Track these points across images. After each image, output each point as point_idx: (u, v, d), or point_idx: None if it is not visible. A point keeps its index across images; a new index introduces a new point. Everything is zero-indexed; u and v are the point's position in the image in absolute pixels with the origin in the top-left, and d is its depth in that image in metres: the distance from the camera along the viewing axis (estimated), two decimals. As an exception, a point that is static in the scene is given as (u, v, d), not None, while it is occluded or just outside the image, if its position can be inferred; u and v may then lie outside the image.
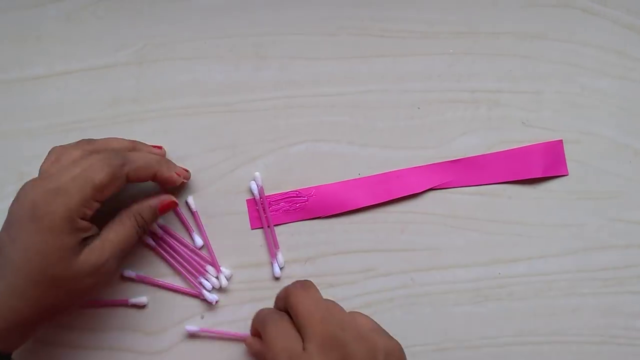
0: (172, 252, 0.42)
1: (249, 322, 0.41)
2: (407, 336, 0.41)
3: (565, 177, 0.43)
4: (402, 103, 0.44)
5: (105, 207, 0.36)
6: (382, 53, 0.44)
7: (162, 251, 0.41)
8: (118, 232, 0.37)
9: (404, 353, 0.34)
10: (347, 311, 0.34)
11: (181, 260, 0.41)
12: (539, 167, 0.42)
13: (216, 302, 0.41)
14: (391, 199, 0.42)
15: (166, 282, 0.41)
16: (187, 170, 0.41)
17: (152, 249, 0.42)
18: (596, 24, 0.44)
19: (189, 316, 0.41)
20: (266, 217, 0.42)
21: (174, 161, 0.42)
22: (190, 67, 0.44)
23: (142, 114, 0.43)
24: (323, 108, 0.44)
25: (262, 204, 0.42)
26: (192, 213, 0.42)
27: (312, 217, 0.42)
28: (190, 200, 0.42)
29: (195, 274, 0.41)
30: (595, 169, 0.43)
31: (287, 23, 0.44)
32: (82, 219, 0.34)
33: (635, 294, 0.41)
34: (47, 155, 0.37)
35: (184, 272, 0.41)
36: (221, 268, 0.41)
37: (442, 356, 0.41)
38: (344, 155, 0.43)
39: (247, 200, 0.42)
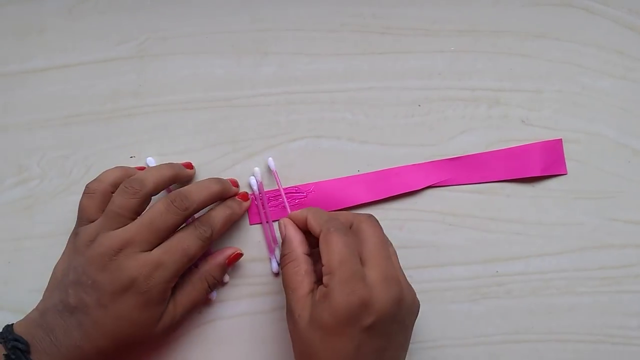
0: None
1: (247, 318, 0.41)
2: (404, 333, 0.41)
3: (564, 176, 0.43)
4: (403, 100, 0.44)
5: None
6: (383, 50, 0.44)
7: None
8: (190, 295, 0.38)
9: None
10: None
11: None
12: (538, 166, 0.42)
13: (214, 297, 0.41)
14: (390, 195, 0.42)
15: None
16: (246, 195, 0.42)
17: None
18: (597, 24, 0.44)
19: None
20: (265, 212, 0.42)
21: (173, 157, 0.42)
22: (192, 62, 0.44)
23: (143, 108, 0.43)
24: (324, 104, 0.44)
25: (261, 199, 0.42)
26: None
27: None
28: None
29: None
30: (594, 168, 0.43)
31: (289, 19, 0.44)
32: (172, 287, 0.36)
33: (631, 294, 0.42)
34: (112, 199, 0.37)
35: None
36: None
37: (439, 353, 0.41)
38: (344, 152, 0.43)
39: (247, 195, 0.42)
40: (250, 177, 0.42)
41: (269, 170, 0.42)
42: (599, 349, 0.41)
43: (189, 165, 0.42)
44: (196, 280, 0.39)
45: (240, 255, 0.41)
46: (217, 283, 0.40)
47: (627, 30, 0.44)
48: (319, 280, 0.35)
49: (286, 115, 0.43)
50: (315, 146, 0.43)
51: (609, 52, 0.44)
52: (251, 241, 0.42)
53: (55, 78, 0.44)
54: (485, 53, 0.44)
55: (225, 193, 0.40)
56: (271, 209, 0.42)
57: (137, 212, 0.37)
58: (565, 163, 0.43)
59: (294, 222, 0.38)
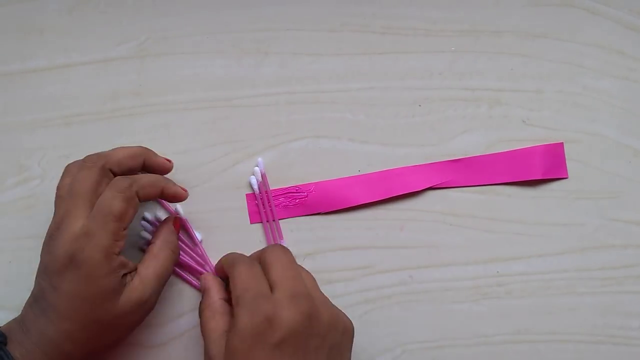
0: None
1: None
2: (404, 333, 0.41)
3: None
4: (403, 100, 0.44)
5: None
6: (384, 50, 0.44)
7: None
8: (155, 268, 0.37)
9: (353, 335, 0.36)
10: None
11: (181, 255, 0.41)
12: (539, 169, 0.42)
13: (199, 238, 0.42)
14: (391, 196, 0.42)
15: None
16: (185, 190, 0.40)
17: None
18: (598, 24, 0.44)
19: (187, 310, 0.41)
20: (265, 211, 0.42)
21: (173, 156, 0.42)
22: (192, 62, 0.44)
23: (143, 108, 0.43)
24: (324, 104, 0.44)
25: (261, 198, 0.42)
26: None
27: (311, 213, 0.42)
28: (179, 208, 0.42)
29: (197, 267, 0.41)
30: (595, 168, 0.43)
31: (290, 19, 0.44)
32: (117, 254, 0.35)
33: (632, 294, 0.42)
34: (62, 176, 0.37)
35: (178, 270, 0.41)
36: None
37: (440, 354, 0.41)
38: (345, 152, 0.43)
39: (247, 195, 0.42)
40: (250, 177, 0.42)
41: (270, 169, 0.42)
42: (600, 350, 0.41)
43: (177, 225, 0.41)
44: (156, 251, 0.38)
45: (178, 219, 0.40)
46: (177, 247, 0.39)
47: (628, 31, 0.44)
48: None
49: (286, 115, 0.43)
50: (315, 146, 0.43)
51: (610, 53, 0.44)
52: (251, 241, 0.42)
53: (56, 78, 0.44)
54: (486, 53, 0.44)
55: (146, 155, 0.39)
56: (271, 208, 0.42)
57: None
58: (566, 167, 0.43)
59: (218, 273, 0.39)
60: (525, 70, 0.44)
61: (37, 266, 0.36)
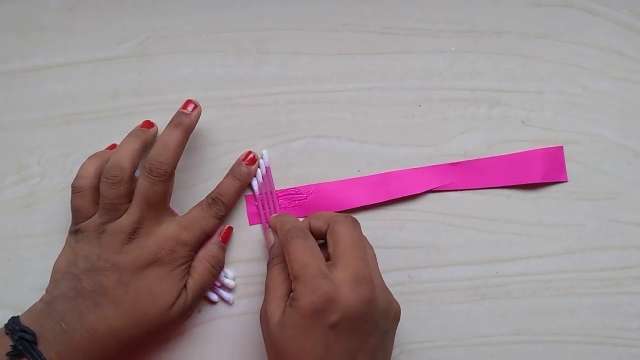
0: None
1: (246, 317, 0.41)
2: (403, 333, 0.41)
3: (564, 177, 0.43)
4: (403, 100, 0.44)
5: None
6: (384, 50, 0.44)
7: None
8: (197, 280, 0.39)
9: (399, 319, 0.36)
10: None
11: None
12: (539, 173, 0.42)
13: (231, 300, 0.42)
14: (390, 199, 0.42)
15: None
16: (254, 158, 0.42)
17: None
18: (598, 25, 0.44)
19: (186, 309, 0.41)
20: (265, 213, 0.42)
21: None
22: (192, 61, 0.44)
23: (143, 107, 0.43)
24: (324, 104, 0.44)
25: (261, 200, 0.42)
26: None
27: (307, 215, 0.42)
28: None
29: None
30: (594, 169, 0.43)
31: (290, 18, 0.44)
32: (191, 261, 0.39)
33: (632, 295, 0.42)
34: (86, 174, 0.39)
35: None
36: (225, 270, 0.42)
37: (439, 354, 0.41)
38: (344, 152, 0.43)
39: (246, 197, 0.42)
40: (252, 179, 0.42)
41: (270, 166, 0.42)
42: (599, 351, 0.41)
43: (148, 124, 0.41)
44: (198, 265, 0.39)
45: (231, 228, 0.41)
46: (219, 261, 0.40)
47: (628, 32, 0.44)
48: None
49: (286, 114, 0.43)
50: (315, 146, 0.43)
51: (610, 54, 0.44)
52: (251, 241, 0.42)
53: (56, 76, 0.44)
54: (486, 53, 0.44)
55: (186, 139, 0.39)
56: (271, 210, 0.42)
57: (129, 194, 0.38)
58: (565, 170, 0.43)
59: (272, 229, 0.39)
60: (525, 71, 0.44)
61: (59, 259, 0.37)
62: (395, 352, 0.41)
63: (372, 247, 0.37)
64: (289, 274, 0.35)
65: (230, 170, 0.41)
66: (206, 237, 0.40)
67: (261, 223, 0.42)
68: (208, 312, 0.41)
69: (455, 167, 0.43)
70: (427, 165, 0.43)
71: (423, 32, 0.44)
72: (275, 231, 0.38)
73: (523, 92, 0.44)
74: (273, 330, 0.33)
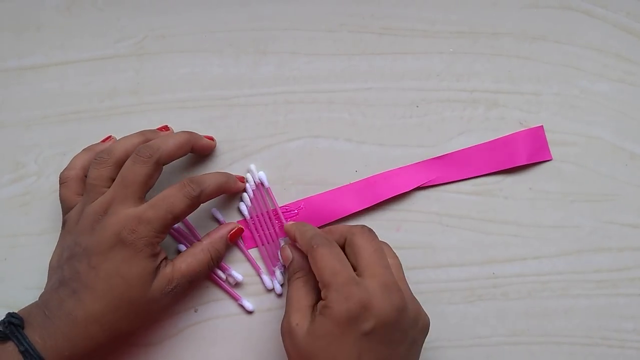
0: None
1: (244, 316, 0.41)
2: (400, 334, 0.41)
3: (561, 178, 0.43)
4: (401, 101, 0.44)
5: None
6: (382, 51, 0.44)
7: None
8: (191, 264, 0.38)
9: (428, 332, 0.36)
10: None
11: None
12: (523, 154, 0.42)
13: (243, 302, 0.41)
14: (380, 201, 0.42)
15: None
16: (212, 139, 0.42)
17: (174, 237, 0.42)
18: (596, 27, 0.44)
19: (183, 309, 0.41)
20: (259, 235, 0.42)
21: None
22: (190, 61, 0.44)
23: (141, 106, 0.43)
24: (322, 104, 0.44)
25: (253, 224, 0.42)
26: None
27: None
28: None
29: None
30: (591, 171, 0.43)
31: (288, 18, 0.44)
32: (158, 243, 0.36)
33: (627, 297, 0.42)
34: (75, 166, 0.39)
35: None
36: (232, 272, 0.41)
37: (435, 354, 0.41)
38: (342, 152, 0.43)
39: (239, 222, 0.42)
40: (240, 203, 0.42)
41: (267, 168, 0.42)
42: (594, 352, 0.41)
43: (165, 129, 0.41)
44: (198, 251, 0.39)
45: (242, 230, 0.41)
46: (220, 256, 0.40)
47: (626, 34, 0.44)
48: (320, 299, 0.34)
49: (284, 114, 0.43)
50: (312, 146, 0.43)
51: (608, 56, 0.44)
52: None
53: (53, 75, 0.44)
54: (484, 55, 0.44)
55: (193, 140, 0.39)
56: (265, 232, 0.42)
57: (112, 179, 0.37)
58: (549, 149, 0.43)
59: (288, 236, 0.38)
60: (523, 72, 0.44)
61: (51, 257, 0.37)
62: (391, 352, 0.41)
63: (396, 256, 0.37)
64: (313, 286, 0.35)
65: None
66: (172, 219, 0.36)
67: (257, 246, 0.42)
68: (205, 311, 0.41)
69: (441, 160, 0.43)
70: (413, 163, 0.43)
71: (421, 33, 0.44)
72: (294, 240, 0.38)
73: (520, 93, 0.44)
74: (301, 341, 0.33)
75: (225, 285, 0.41)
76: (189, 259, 0.38)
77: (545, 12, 0.44)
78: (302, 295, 0.35)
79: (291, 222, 0.39)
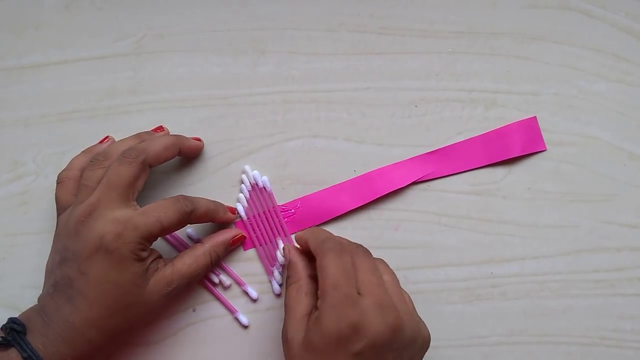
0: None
1: (237, 316, 0.41)
2: (398, 333, 0.41)
3: (559, 178, 0.43)
4: (400, 101, 0.44)
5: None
6: (380, 50, 0.44)
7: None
8: (190, 266, 0.38)
9: (428, 347, 0.35)
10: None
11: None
12: (517, 146, 0.43)
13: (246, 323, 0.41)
14: (377, 197, 0.42)
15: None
16: (199, 140, 0.42)
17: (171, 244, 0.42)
18: (595, 27, 0.44)
19: (181, 309, 0.41)
20: (257, 236, 0.42)
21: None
22: (189, 60, 0.44)
23: (139, 105, 0.43)
24: (320, 104, 0.44)
25: (250, 224, 0.42)
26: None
27: (302, 229, 0.41)
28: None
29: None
30: (589, 171, 0.43)
31: (287, 18, 0.44)
32: (143, 250, 0.36)
33: (625, 297, 0.42)
34: (72, 167, 0.39)
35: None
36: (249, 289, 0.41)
37: (433, 354, 0.41)
38: (341, 152, 0.43)
39: (236, 223, 0.42)
40: (237, 204, 0.42)
41: (266, 168, 0.42)
42: (592, 352, 0.41)
43: (160, 129, 0.42)
44: (199, 254, 0.39)
45: (244, 238, 0.41)
46: (220, 260, 0.40)
47: (624, 34, 0.44)
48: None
49: (283, 114, 0.43)
50: (311, 145, 0.43)
51: (606, 56, 0.44)
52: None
53: (52, 74, 0.44)
54: (483, 55, 0.44)
55: (180, 142, 0.39)
56: (262, 232, 0.42)
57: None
58: (543, 139, 0.43)
59: (299, 243, 0.38)
60: (522, 73, 0.44)
61: (48, 259, 0.37)
62: (389, 352, 0.41)
63: (392, 272, 0.36)
64: (308, 292, 0.35)
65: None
66: (161, 229, 0.36)
67: (254, 247, 0.42)
68: (203, 311, 0.41)
69: (435, 154, 0.43)
70: (408, 158, 0.43)
71: (420, 32, 0.44)
72: (304, 246, 0.37)
73: (519, 93, 0.44)
74: (295, 354, 0.33)
75: (223, 297, 0.41)
76: (189, 260, 0.38)
77: (544, 12, 0.44)
78: (297, 302, 0.35)
79: (307, 229, 0.39)
